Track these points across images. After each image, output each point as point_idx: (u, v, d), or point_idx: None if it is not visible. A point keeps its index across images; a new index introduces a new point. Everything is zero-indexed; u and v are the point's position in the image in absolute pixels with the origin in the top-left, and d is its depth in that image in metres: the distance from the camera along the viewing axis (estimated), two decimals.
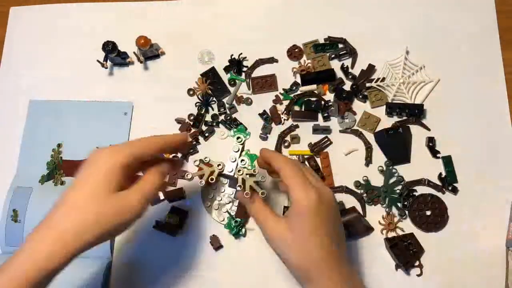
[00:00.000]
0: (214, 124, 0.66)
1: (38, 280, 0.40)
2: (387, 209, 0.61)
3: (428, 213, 0.60)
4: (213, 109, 0.67)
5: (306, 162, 0.63)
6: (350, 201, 0.62)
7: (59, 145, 0.66)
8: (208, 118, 0.67)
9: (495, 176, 0.62)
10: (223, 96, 0.67)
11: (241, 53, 0.69)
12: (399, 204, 0.61)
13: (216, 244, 0.60)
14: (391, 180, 0.62)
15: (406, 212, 0.61)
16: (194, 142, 0.65)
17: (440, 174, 0.62)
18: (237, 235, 0.61)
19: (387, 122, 0.65)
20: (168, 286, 0.60)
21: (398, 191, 0.62)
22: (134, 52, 0.68)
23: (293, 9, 0.71)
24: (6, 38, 0.73)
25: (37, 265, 0.40)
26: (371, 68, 0.67)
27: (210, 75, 0.68)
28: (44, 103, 0.69)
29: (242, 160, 0.52)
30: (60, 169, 0.65)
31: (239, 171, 0.52)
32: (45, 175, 0.65)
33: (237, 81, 0.68)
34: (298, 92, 0.67)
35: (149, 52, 0.68)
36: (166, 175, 0.50)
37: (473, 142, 0.64)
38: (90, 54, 0.68)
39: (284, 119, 0.66)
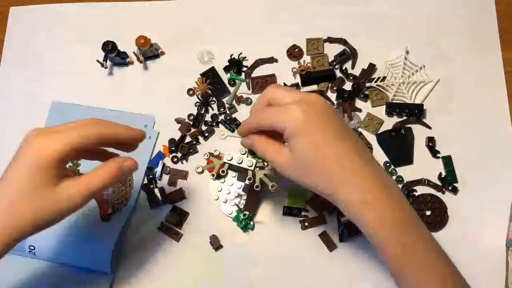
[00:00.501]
0: (214, 124, 0.66)
1: None
2: None
3: (428, 213, 0.60)
4: (213, 109, 0.67)
5: None
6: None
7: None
8: (208, 118, 0.67)
9: (495, 176, 0.62)
10: (223, 96, 0.67)
11: (241, 53, 0.69)
12: None
13: (216, 244, 0.60)
14: None
15: None
16: (194, 142, 0.66)
17: (440, 174, 0.62)
18: (245, 228, 0.61)
19: (387, 121, 0.65)
20: (168, 285, 0.60)
21: None
22: (134, 52, 0.68)
23: (293, 9, 0.71)
24: (6, 38, 0.73)
25: None
26: (372, 67, 0.67)
27: (210, 75, 0.68)
28: (66, 105, 0.68)
29: (252, 153, 0.52)
30: None
31: (250, 165, 0.51)
32: None
33: (237, 81, 0.68)
34: (307, 90, 0.67)
35: (149, 52, 0.68)
36: (121, 173, 0.45)
37: (473, 142, 0.64)
38: (89, 54, 0.68)
39: None
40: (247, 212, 0.60)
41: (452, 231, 0.60)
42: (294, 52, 0.69)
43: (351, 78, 0.67)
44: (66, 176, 0.43)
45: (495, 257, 0.59)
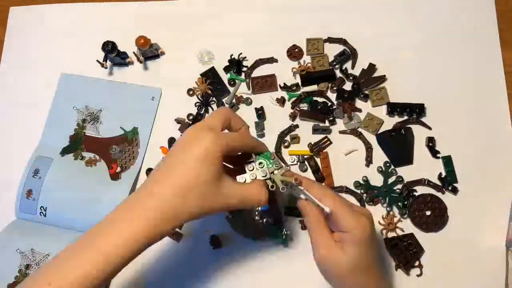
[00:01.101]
0: None
1: (139, 246, 0.41)
2: (387, 209, 0.61)
3: (428, 213, 0.60)
4: (212, 109, 0.67)
5: (306, 162, 0.63)
6: (350, 201, 0.62)
7: (83, 121, 0.67)
8: None
9: (495, 176, 0.62)
10: (223, 96, 0.67)
11: (241, 53, 0.69)
12: (399, 204, 0.61)
13: (216, 244, 0.60)
14: (390, 180, 0.62)
15: (406, 211, 0.61)
16: None
17: (440, 174, 0.62)
18: (285, 242, 0.60)
19: (387, 121, 0.65)
20: (168, 286, 0.60)
21: (398, 190, 0.62)
22: (134, 52, 0.68)
23: (293, 9, 0.71)
24: (6, 38, 0.73)
25: (141, 231, 0.41)
26: (372, 67, 0.67)
27: (210, 75, 0.68)
28: (75, 77, 0.69)
29: (260, 163, 0.50)
30: (82, 144, 0.66)
31: (264, 175, 0.50)
32: (66, 148, 0.66)
33: (236, 81, 0.68)
34: (307, 90, 0.67)
35: (149, 52, 0.68)
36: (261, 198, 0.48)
37: (473, 142, 0.64)
38: (89, 54, 0.68)
39: (296, 113, 0.65)
40: (283, 228, 0.58)
41: (452, 231, 0.60)
42: (294, 52, 0.69)
43: (351, 78, 0.67)
44: (226, 178, 0.45)
45: (495, 257, 0.59)
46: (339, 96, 0.66)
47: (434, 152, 0.63)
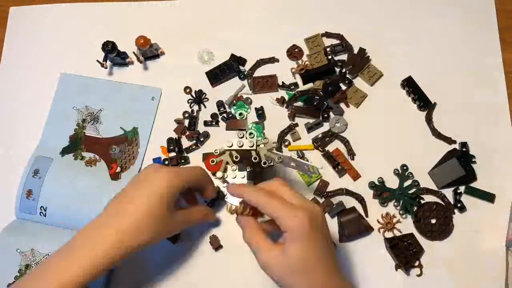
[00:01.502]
0: (214, 123, 0.66)
1: (93, 275, 0.46)
2: (400, 212, 0.61)
3: (433, 221, 0.60)
4: (205, 107, 0.67)
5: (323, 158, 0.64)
6: (350, 202, 0.62)
7: (83, 121, 0.67)
8: (207, 117, 0.67)
9: (495, 176, 0.62)
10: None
11: (240, 56, 0.69)
12: (408, 208, 0.60)
13: (216, 244, 0.60)
14: (406, 183, 0.62)
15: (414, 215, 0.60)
16: (195, 141, 0.66)
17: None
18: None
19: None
20: (168, 286, 0.60)
21: (412, 194, 0.61)
22: (134, 52, 0.68)
23: (293, 9, 0.71)
24: (6, 38, 0.73)
25: (94, 262, 0.46)
26: (362, 52, 0.67)
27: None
28: (75, 77, 0.69)
29: (250, 134, 0.51)
30: (82, 144, 0.66)
31: (251, 145, 0.52)
32: (66, 148, 0.66)
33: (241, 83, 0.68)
34: (301, 89, 0.67)
35: (149, 52, 0.68)
36: (207, 219, 0.59)
37: (473, 142, 0.64)
38: (89, 54, 0.68)
39: (293, 111, 0.65)
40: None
41: (453, 232, 0.60)
42: (294, 52, 0.69)
43: (339, 64, 0.67)
44: (176, 210, 0.53)
45: (495, 257, 0.59)
46: (324, 91, 0.66)
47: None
